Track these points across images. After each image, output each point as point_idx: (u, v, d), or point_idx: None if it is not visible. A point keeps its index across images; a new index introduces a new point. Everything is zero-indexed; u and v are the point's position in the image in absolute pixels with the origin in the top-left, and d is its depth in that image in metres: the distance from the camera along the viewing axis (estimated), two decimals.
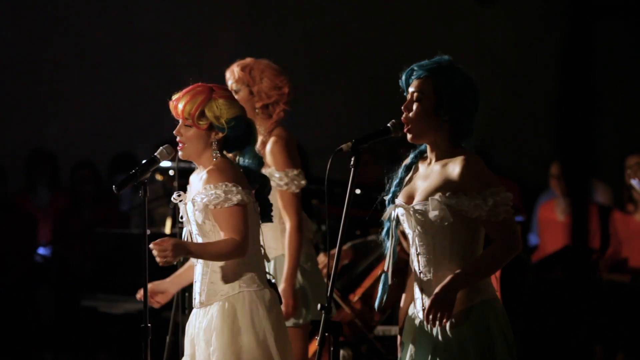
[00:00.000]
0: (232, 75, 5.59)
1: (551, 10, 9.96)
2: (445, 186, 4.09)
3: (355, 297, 6.36)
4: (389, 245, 4.28)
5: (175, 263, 4.50)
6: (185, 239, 4.66)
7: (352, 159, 4.16)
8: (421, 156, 4.28)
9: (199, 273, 4.60)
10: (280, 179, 5.48)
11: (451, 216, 4.06)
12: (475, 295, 4.11)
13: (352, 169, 4.15)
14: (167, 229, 8.14)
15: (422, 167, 4.24)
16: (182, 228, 4.77)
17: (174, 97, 4.58)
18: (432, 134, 4.16)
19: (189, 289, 5.66)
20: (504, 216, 4.05)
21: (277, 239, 5.56)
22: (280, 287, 5.43)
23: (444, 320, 4.03)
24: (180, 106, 4.55)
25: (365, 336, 6.43)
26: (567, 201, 8.88)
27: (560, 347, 7.89)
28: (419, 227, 4.14)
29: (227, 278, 4.53)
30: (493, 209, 4.04)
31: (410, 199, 4.19)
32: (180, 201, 4.63)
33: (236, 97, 5.47)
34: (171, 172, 7.83)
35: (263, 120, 5.58)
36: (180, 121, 4.58)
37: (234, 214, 4.46)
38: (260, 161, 4.66)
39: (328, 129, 10.20)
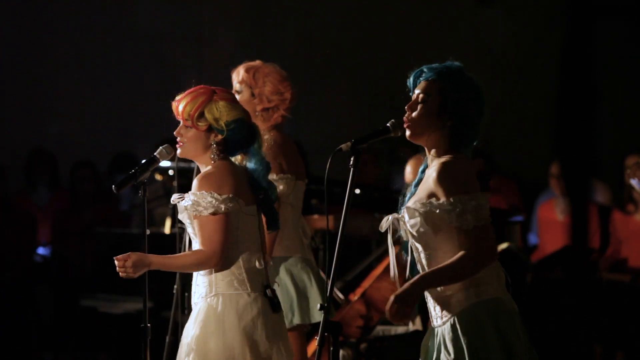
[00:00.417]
0: (236, 75, 5.60)
1: (551, 10, 9.95)
2: (424, 193, 4.09)
3: (355, 297, 6.36)
4: (408, 259, 4.26)
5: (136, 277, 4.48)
6: (186, 240, 4.66)
7: (352, 158, 4.16)
8: (427, 169, 4.27)
9: (194, 274, 4.62)
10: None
11: (425, 223, 4.05)
12: (472, 296, 4.09)
13: (352, 168, 4.14)
14: (167, 229, 8.15)
15: (426, 174, 4.23)
16: (182, 228, 4.76)
17: (177, 98, 4.58)
18: (431, 136, 4.15)
19: (188, 289, 5.68)
20: (474, 224, 4.01)
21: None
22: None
23: (402, 319, 4.00)
24: (181, 107, 4.55)
25: (366, 336, 6.44)
26: (566, 201, 8.88)
27: (560, 347, 7.89)
28: (409, 235, 4.14)
29: (208, 281, 4.52)
30: (461, 216, 4.00)
31: None
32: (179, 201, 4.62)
33: (238, 97, 5.49)
34: (171, 172, 7.83)
35: (262, 124, 5.57)
36: (181, 122, 4.58)
37: (208, 223, 4.44)
38: (267, 167, 4.65)
39: (328, 129, 10.20)
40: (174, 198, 4.60)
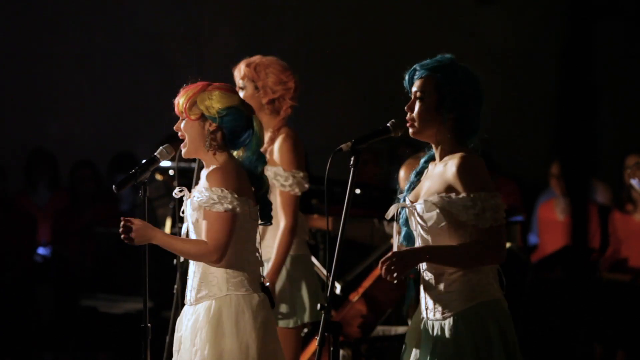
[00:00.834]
0: (238, 72, 5.60)
1: (551, 10, 9.95)
2: (441, 186, 4.09)
3: (355, 297, 6.36)
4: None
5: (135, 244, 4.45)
6: (186, 235, 4.65)
7: (352, 158, 4.16)
8: (430, 161, 4.27)
9: (192, 270, 4.59)
10: (285, 179, 5.47)
11: (444, 218, 4.06)
12: (475, 296, 4.10)
13: (352, 168, 4.15)
14: (167, 229, 8.14)
15: (431, 167, 4.24)
16: (181, 228, 4.76)
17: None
18: (434, 132, 4.16)
19: None
20: (491, 224, 4.03)
21: (274, 238, 5.55)
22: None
23: (393, 276, 3.99)
24: (176, 101, 4.56)
25: (366, 336, 6.44)
26: (567, 201, 8.88)
27: (560, 347, 7.89)
28: (419, 227, 4.14)
29: (216, 279, 4.50)
30: (481, 214, 4.02)
31: (416, 198, 4.19)
32: (182, 196, 4.61)
33: (242, 93, 5.50)
34: (171, 172, 7.83)
35: (270, 117, 5.57)
36: (179, 117, 4.59)
37: (218, 220, 4.43)
38: (263, 160, 4.63)
39: (328, 129, 10.20)
40: (177, 191, 4.59)
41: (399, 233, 4.28)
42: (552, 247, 8.79)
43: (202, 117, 4.53)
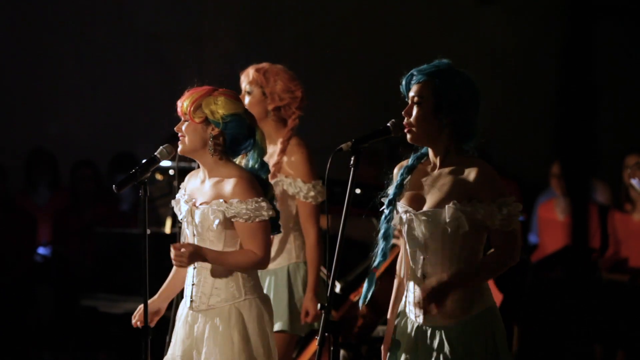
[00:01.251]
0: (246, 77, 5.59)
1: (551, 9, 9.95)
2: (460, 193, 4.10)
3: (355, 297, 6.36)
4: (382, 246, 4.27)
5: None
6: (183, 239, 4.66)
7: (352, 158, 4.17)
8: (422, 159, 4.27)
9: (195, 276, 4.59)
10: (308, 190, 5.48)
11: (466, 224, 4.08)
12: (481, 302, 4.12)
13: (352, 168, 4.15)
14: (167, 229, 8.14)
15: (425, 170, 4.23)
16: (181, 227, 4.76)
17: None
18: (432, 137, 4.16)
19: None
20: (514, 227, 4.09)
21: (281, 249, 5.56)
22: (307, 297, 5.48)
23: (434, 312, 4.04)
24: (181, 103, 4.58)
25: (366, 336, 6.43)
26: (567, 201, 8.88)
27: (560, 347, 7.88)
28: (428, 233, 4.14)
29: (233, 284, 4.56)
30: (506, 219, 4.07)
31: (416, 203, 4.18)
32: (186, 201, 4.62)
33: (249, 98, 5.50)
34: (171, 172, 7.83)
35: (275, 125, 5.56)
36: (182, 118, 4.60)
37: (260, 229, 4.52)
38: (267, 169, 4.66)
39: (328, 129, 10.19)
40: (188, 201, 4.60)
41: (400, 234, 4.29)
42: (552, 247, 8.78)
43: (206, 121, 4.55)
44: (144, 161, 4.60)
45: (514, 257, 4.11)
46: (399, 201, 4.23)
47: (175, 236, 5.62)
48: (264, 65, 5.62)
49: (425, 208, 4.14)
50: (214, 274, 4.56)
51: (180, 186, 4.75)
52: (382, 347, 4.35)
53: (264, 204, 4.49)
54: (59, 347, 9.25)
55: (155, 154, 4.62)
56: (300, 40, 10.77)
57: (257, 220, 4.49)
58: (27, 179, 9.94)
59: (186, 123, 4.58)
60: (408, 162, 4.29)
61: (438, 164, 4.18)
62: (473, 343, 4.08)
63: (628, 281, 8.26)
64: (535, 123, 10.39)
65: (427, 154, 4.24)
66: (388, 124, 4.20)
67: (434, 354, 4.13)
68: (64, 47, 10.85)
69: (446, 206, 4.09)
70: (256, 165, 4.62)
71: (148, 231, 4.63)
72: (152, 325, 4.75)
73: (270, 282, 5.50)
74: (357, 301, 6.34)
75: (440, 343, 4.12)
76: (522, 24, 10.61)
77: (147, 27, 10.88)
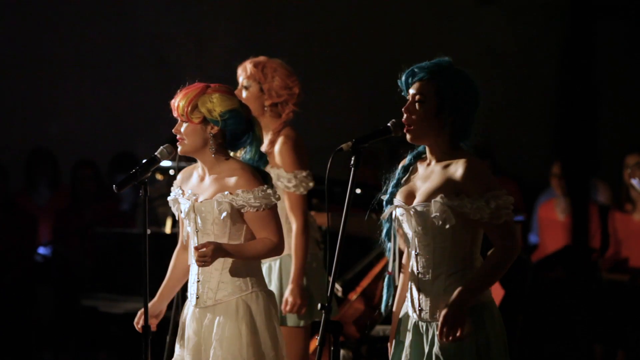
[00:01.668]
0: (244, 71, 5.59)
1: (551, 9, 9.95)
2: (448, 188, 4.10)
3: (354, 296, 6.36)
4: (390, 246, 4.29)
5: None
6: (184, 238, 4.66)
7: (352, 158, 4.17)
8: (419, 157, 4.28)
9: (199, 273, 4.59)
10: (289, 180, 5.48)
11: (453, 218, 4.07)
12: (477, 298, 4.11)
13: (352, 168, 4.15)
14: (168, 229, 8.14)
15: (421, 167, 4.24)
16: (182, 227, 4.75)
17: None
18: (432, 136, 4.17)
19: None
20: (505, 219, 4.07)
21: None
22: (289, 287, 5.46)
23: (458, 334, 4.03)
24: (177, 104, 4.57)
25: (366, 335, 6.44)
26: (567, 201, 8.88)
27: (560, 347, 7.89)
28: (419, 228, 4.14)
29: (240, 277, 4.56)
30: (495, 212, 4.05)
31: (409, 199, 4.19)
32: (188, 198, 4.62)
33: (246, 93, 5.50)
34: (171, 172, 7.83)
35: (271, 120, 5.57)
36: (179, 119, 4.60)
37: (270, 216, 4.54)
38: (265, 160, 4.66)
39: (328, 128, 10.19)
40: (197, 198, 4.60)
41: (399, 235, 4.29)
42: (553, 247, 8.78)
43: (204, 121, 4.54)
44: (144, 161, 4.60)
45: (515, 247, 4.09)
46: (395, 198, 4.24)
47: (175, 236, 5.63)
48: (262, 59, 5.61)
49: (414, 203, 4.15)
50: (219, 268, 4.56)
51: (173, 184, 4.75)
52: (388, 344, 4.35)
53: (269, 190, 4.52)
54: (59, 347, 9.25)
55: (156, 154, 4.63)
56: (300, 40, 10.77)
57: (268, 207, 4.51)
58: (27, 179, 9.93)
59: (184, 124, 4.57)
60: (405, 161, 4.30)
61: (433, 161, 4.19)
62: (468, 337, 4.07)
63: (628, 281, 8.27)
64: (535, 123, 10.39)
65: (424, 152, 4.24)
66: (388, 124, 4.21)
67: (427, 348, 4.14)
68: (64, 47, 10.85)
69: (432, 200, 4.10)
70: (255, 157, 4.62)
71: (148, 231, 4.62)
72: (154, 328, 4.74)
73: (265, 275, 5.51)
74: (356, 300, 6.34)
75: (433, 338, 4.12)
76: (522, 24, 10.61)
77: (147, 27, 10.88)
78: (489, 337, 4.09)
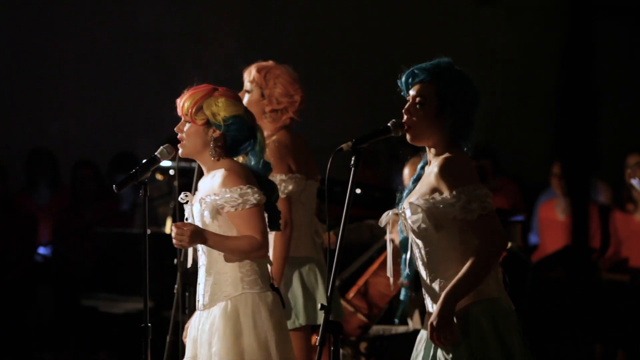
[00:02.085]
0: (248, 75, 5.59)
1: (552, 10, 9.95)
2: (427, 188, 4.09)
3: (350, 295, 6.36)
4: (404, 256, 4.28)
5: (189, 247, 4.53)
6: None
7: (352, 158, 4.16)
8: (427, 165, 4.27)
9: (203, 275, 4.60)
10: None
11: (427, 219, 4.05)
12: (470, 296, 4.09)
13: (352, 168, 4.15)
14: (168, 229, 8.15)
15: (426, 171, 4.24)
16: None
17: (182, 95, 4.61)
18: (433, 137, 4.16)
19: (189, 288, 5.66)
20: (479, 213, 4.01)
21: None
22: None
23: (449, 339, 4.01)
24: (182, 103, 4.58)
25: (365, 334, 6.44)
26: (567, 201, 8.89)
27: (560, 347, 7.89)
28: (410, 231, 4.14)
29: (231, 279, 4.53)
30: (466, 206, 4.00)
31: None
32: (186, 202, 4.63)
33: (248, 97, 5.50)
34: (171, 172, 7.83)
35: (271, 124, 5.56)
36: (182, 118, 4.60)
37: (253, 214, 4.48)
38: (268, 167, 4.67)
39: (328, 129, 10.20)
40: (182, 197, 4.61)
41: (392, 241, 4.30)
42: (553, 247, 8.79)
43: (207, 123, 4.55)
44: (144, 161, 4.60)
45: (494, 243, 4.01)
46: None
47: None
48: (268, 64, 5.60)
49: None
50: (215, 269, 4.55)
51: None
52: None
53: (249, 190, 4.47)
54: (59, 347, 9.26)
55: (156, 154, 4.63)
56: (301, 40, 10.77)
57: (246, 206, 4.47)
58: (27, 179, 9.94)
59: (187, 125, 4.58)
60: (415, 174, 4.29)
61: (430, 161, 4.19)
62: (461, 337, 4.06)
63: (628, 281, 8.27)
64: (535, 123, 10.39)
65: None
66: (388, 124, 4.20)
67: (432, 351, 4.14)
68: (64, 47, 10.85)
69: (408, 203, 4.10)
70: (259, 164, 4.62)
71: (148, 231, 4.63)
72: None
73: None
74: (353, 297, 6.35)
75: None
76: (522, 24, 10.62)
77: (147, 27, 10.88)
78: (485, 336, 4.06)
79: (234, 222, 4.50)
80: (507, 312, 4.14)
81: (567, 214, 8.91)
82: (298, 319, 5.52)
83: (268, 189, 4.63)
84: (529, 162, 10.35)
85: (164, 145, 4.65)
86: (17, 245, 9.13)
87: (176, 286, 5.77)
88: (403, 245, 4.27)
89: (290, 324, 5.50)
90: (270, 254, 5.34)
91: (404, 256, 4.28)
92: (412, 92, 4.18)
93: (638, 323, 7.95)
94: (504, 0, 10.53)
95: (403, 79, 4.21)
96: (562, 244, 8.68)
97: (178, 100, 4.60)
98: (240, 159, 4.69)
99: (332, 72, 10.73)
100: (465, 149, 4.17)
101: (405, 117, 4.17)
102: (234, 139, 4.57)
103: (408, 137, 4.17)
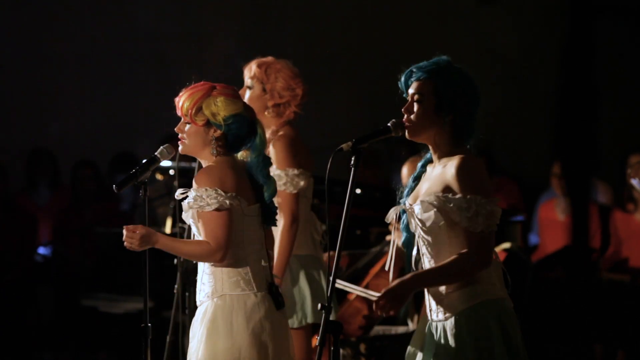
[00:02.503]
0: (248, 71, 5.59)
1: (552, 9, 9.96)
2: (439, 187, 4.09)
3: (353, 295, 6.36)
4: (408, 254, 4.28)
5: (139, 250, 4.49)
6: (192, 237, 4.65)
7: (353, 158, 4.16)
8: (427, 165, 4.28)
9: (198, 273, 4.60)
10: (278, 177, 5.44)
11: (442, 218, 4.06)
12: (476, 296, 4.09)
13: (352, 168, 4.15)
14: (168, 229, 8.15)
15: (429, 169, 4.24)
16: (182, 227, 4.76)
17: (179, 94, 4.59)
18: (432, 134, 4.16)
19: (189, 289, 5.66)
20: (482, 229, 4.02)
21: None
22: None
23: (390, 312, 4.02)
24: (181, 103, 4.56)
25: (365, 334, 6.44)
26: (567, 201, 8.89)
27: (560, 347, 7.89)
28: (419, 229, 4.14)
29: (213, 280, 4.51)
30: (473, 218, 4.01)
31: (415, 201, 4.19)
32: (183, 199, 4.62)
33: (249, 93, 5.50)
34: (171, 172, 7.83)
35: (273, 119, 5.57)
36: (182, 118, 4.59)
37: (212, 219, 4.42)
38: (267, 162, 4.64)
39: (328, 128, 10.20)
40: (178, 194, 4.60)
41: (399, 238, 4.29)
42: (553, 247, 8.78)
43: (207, 123, 4.53)
44: (144, 161, 4.60)
45: (482, 262, 4.02)
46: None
47: (175, 236, 5.62)
48: (268, 60, 5.61)
49: (414, 203, 4.15)
50: (202, 268, 4.54)
51: None
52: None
53: (213, 192, 4.42)
54: (59, 347, 9.26)
55: (156, 153, 4.62)
56: (301, 40, 10.77)
57: (205, 209, 4.42)
58: (27, 179, 9.94)
59: (187, 125, 4.56)
60: (415, 172, 4.29)
61: (437, 161, 4.19)
62: (465, 335, 4.07)
63: (628, 281, 8.26)
64: (536, 123, 10.39)
65: (432, 158, 4.24)
66: (388, 124, 4.20)
67: (433, 349, 4.14)
68: (64, 47, 10.85)
69: (420, 200, 4.09)
70: (259, 159, 4.60)
71: None
72: None
73: None
74: (354, 299, 6.34)
75: (439, 337, 4.12)
76: (522, 24, 10.62)
77: (147, 27, 10.88)
78: (491, 337, 4.06)
79: (198, 222, 4.47)
80: (512, 313, 4.16)
81: (567, 214, 8.91)
82: (306, 317, 5.52)
83: (265, 184, 4.59)
84: (529, 162, 10.35)
85: (164, 145, 4.65)
86: (17, 245, 9.13)
87: (176, 286, 5.77)
88: (407, 245, 4.27)
89: (296, 322, 5.50)
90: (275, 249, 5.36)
91: (409, 254, 4.27)
92: (410, 91, 4.19)
93: (638, 323, 7.95)
94: (504, 0, 10.53)
95: (402, 79, 4.22)
96: (562, 244, 8.68)
97: (176, 100, 4.58)
98: (243, 153, 4.65)
99: (332, 72, 10.72)
100: (468, 146, 4.18)
101: (404, 116, 4.17)
102: (235, 136, 4.55)
103: (407, 134, 4.17)
